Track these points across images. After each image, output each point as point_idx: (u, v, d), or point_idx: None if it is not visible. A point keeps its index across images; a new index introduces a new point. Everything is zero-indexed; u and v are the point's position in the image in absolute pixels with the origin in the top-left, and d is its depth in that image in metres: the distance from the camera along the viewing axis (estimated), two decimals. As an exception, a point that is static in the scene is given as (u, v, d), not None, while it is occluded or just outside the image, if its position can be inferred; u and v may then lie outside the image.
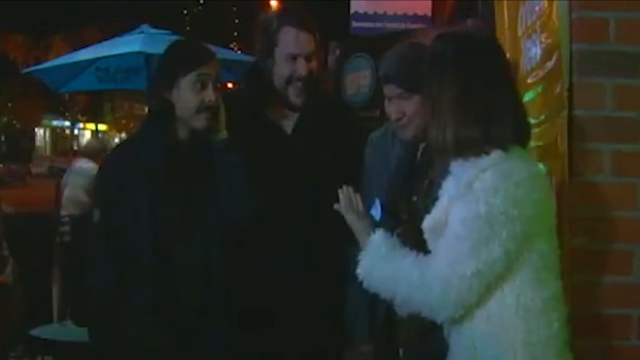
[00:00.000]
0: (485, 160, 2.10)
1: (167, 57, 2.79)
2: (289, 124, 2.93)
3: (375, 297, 2.77)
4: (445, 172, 2.24)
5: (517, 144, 2.14)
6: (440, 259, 2.09)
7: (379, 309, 2.78)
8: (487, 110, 2.12)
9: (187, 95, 2.69)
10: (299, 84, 2.84)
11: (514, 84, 2.26)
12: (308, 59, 2.85)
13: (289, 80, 2.84)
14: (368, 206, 2.75)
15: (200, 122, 2.70)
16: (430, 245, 2.18)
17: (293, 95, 2.86)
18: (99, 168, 3.14)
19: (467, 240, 2.05)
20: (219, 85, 2.76)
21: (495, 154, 2.10)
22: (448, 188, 2.16)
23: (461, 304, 2.07)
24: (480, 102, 2.12)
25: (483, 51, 2.20)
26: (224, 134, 2.74)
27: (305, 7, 2.97)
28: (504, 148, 2.11)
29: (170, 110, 2.71)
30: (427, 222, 2.20)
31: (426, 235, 2.22)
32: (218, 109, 2.73)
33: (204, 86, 2.69)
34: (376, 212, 2.60)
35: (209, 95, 2.68)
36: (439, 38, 2.27)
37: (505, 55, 2.30)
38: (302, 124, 2.91)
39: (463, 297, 2.06)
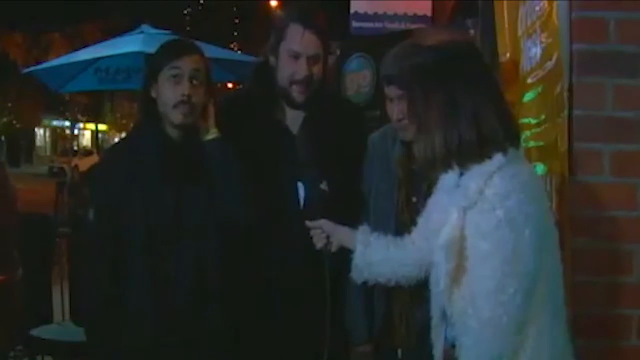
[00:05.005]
0: (489, 166, 2.10)
1: (153, 54, 2.80)
2: (295, 124, 2.92)
3: (373, 298, 2.79)
4: (440, 187, 2.24)
5: (511, 145, 2.14)
6: (481, 287, 2.05)
7: (378, 309, 2.78)
8: (475, 112, 2.11)
9: (163, 90, 2.69)
10: (301, 84, 2.83)
11: (498, 87, 2.24)
12: (311, 60, 2.81)
13: (291, 79, 2.83)
14: (369, 207, 2.76)
15: (176, 118, 2.68)
16: (446, 262, 2.13)
17: (296, 92, 2.84)
18: (94, 168, 3.14)
19: (497, 255, 2.03)
20: (211, 83, 2.75)
21: (497, 158, 2.10)
22: (455, 201, 2.14)
23: (515, 326, 2.04)
24: (467, 105, 2.11)
25: (461, 57, 2.18)
26: (213, 132, 2.74)
27: (305, 7, 2.95)
28: (503, 151, 2.11)
29: (153, 106, 2.71)
30: (442, 241, 2.15)
31: (438, 254, 2.17)
32: (206, 107, 2.72)
33: (178, 80, 2.67)
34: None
35: (183, 89, 2.66)
36: (415, 52, 2.26)
37: (484, 59, 2.29)
38: (308, 123, 2.90)
39: (515, 317, 2.04)
